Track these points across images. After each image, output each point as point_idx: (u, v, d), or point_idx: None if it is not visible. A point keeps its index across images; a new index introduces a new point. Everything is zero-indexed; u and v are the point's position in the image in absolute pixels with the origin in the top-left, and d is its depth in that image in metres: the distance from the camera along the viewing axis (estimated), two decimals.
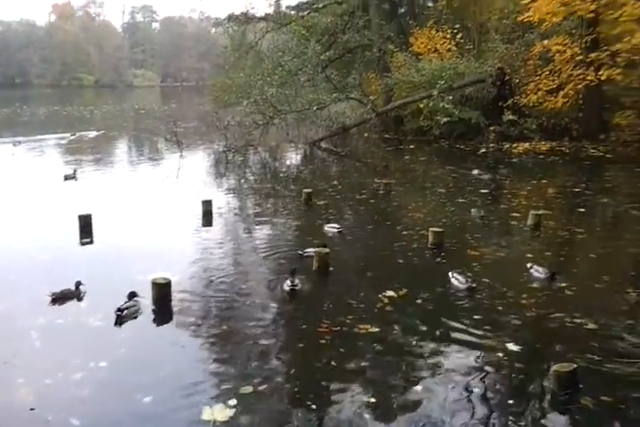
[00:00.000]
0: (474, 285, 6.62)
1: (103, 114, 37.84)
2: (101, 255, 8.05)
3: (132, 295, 6.06)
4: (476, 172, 14.53)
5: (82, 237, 8.74)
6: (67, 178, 13.81)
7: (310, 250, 7.65)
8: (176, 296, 6.32)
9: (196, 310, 6.13)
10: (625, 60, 18.53)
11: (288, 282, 6.67)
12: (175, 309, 6.14)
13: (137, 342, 5.59)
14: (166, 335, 5.75)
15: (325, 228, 9.27)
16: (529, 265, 7.28)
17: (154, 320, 6.05)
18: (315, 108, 20.11)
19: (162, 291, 6.19)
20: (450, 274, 6.94)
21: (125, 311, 5.85)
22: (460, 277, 6.80)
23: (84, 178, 14.20)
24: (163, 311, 6.11)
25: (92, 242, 8.67)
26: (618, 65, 18.62)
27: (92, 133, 24.93)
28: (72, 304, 6.26)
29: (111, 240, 8.69)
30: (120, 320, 5.79)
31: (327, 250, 7.38)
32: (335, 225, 9.23)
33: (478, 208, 10.41)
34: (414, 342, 5.39)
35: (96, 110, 40.60)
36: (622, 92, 21.08)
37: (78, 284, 6.44)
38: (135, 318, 5.90)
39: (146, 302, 6.15)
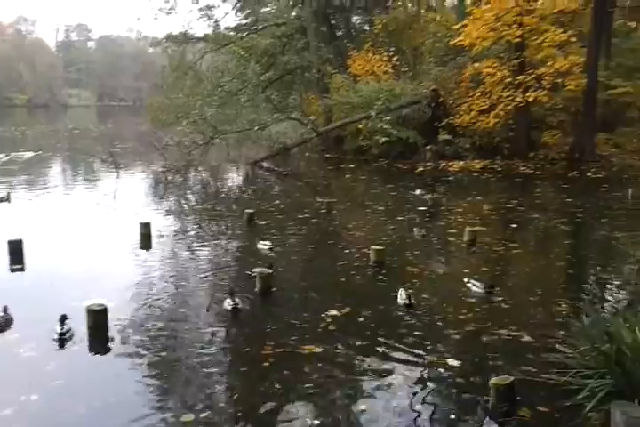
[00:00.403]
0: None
1: (36, 134, 36.50)
2: (33, 282, 7.71)
3: (64, 318, 5.90)
4: (418, 192, 14.61)
5: (11, 264, 8.34)
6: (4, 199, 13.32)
7: (257, 270, 7.61)
8: (113, 323, 6.11)
9: (133, 337, 5.93)
10: (549, 83, 19.65)
11: (229, 301, 6.64)
12: (112, 336, 5.92)
13: (72, 372, 5.35)
14: (103, 364, 5.54)
15: (258, 245, 9.31)
16: (466, 280, 7.50)
17: (89, 349, 5.80)
18: (256, 128, 20.16)
19: (97, 318, 5.97)
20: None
21: (67, 334, 5.78)
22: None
23: (18, 200, 13.65)
24: (99, 339, 5.87)
25: (22, 269, 8.28)
26: (543, 87, 19.71)
27: (28, 154, 24.08)
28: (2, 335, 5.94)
29: (44, 266, 8.34)
30: (63, 344, 5.70)
31: (270, 271, 7.35)
32: (267, 242, 9.28)
33: (419, 227, 10.61)
34: (357, 362, 5.41)
35: (28, 131, 39.13)
36: (548, 112, 22.28)
37: (5, 309, 6.19)
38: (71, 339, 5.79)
39: (82, 330, 5.92)
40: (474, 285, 7.37)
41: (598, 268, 8.84)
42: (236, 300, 6.64)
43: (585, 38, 21.21)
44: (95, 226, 10.96)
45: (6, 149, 24.41)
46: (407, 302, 6.68)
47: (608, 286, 7.80)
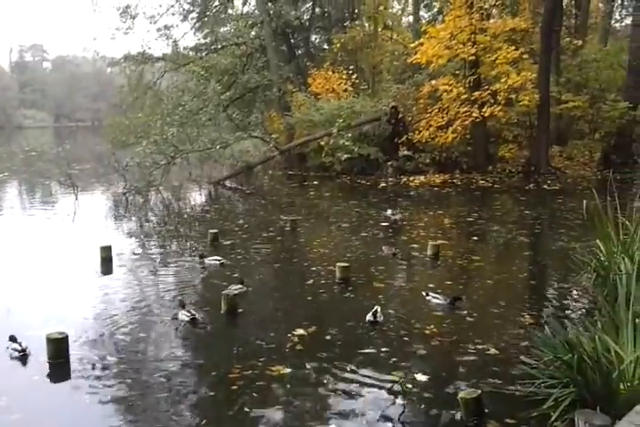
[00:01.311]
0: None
1: None
2: None
3: (14, 339, 6.03)
4: (389, 212, 13.84)
5: None
6: None
7: (234, 287, 7.81)
8: (74, 351, 5.93)
9: (96, 365, 5.75)
10: (504, 98, 20.28)
11: (185, 313, 6.79)
12: (73, 364, 5.75)
13: (31, 403, 5.13)
14: (65, 394, 5.35)
15: (206, 261, 9.27)
16: (424, 293, 7.59)
17: (50, 378, 5.62)
18: (217, 146, 20.09)
19: (58, 346, 5.78)
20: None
21: (27, 350, 5.94)
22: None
23: None
24: (60, 368, 5.69)
25: None
26: (498, 102, 20.32)
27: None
28: None
29: (0, 293, 8.05)
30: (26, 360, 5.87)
31: (235, 292, 7.29)
32: (217, 257, 9.28)
33: (389, 245, 10.40)
34: (325, 381, 5.37)
35: None
36: (504, 126, 22.95)
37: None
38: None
39: (42, 359, 5.74)
40: (434, 297, 7.48)
41: (558, 278, 9.08)
42: (192, 311, 6.82)
43: (536, 55, 22.05)
44: (54, 251, 10.66)
45: None
46: (372, 318, 6.68)
47: (568, 295, 8.00)
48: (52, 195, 19.39)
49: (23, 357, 5.91)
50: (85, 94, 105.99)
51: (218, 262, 9.18)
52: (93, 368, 5.68)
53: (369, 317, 6.71)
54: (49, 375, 5.64)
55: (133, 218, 15.29)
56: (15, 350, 5.96)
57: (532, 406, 4.47)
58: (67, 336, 5.87)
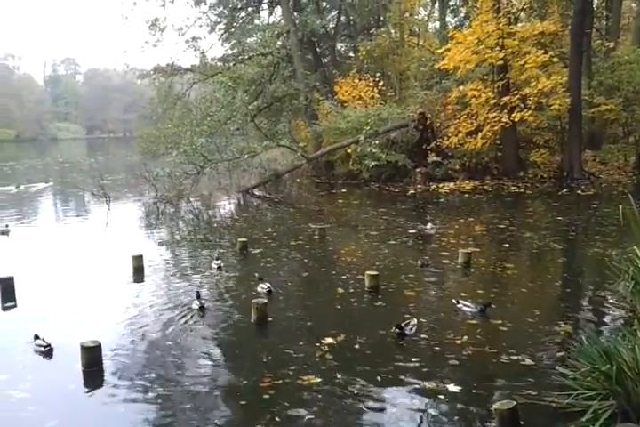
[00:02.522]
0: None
1: (25, 169, 36.45)
2: (26, 320, 7.55)
3: (37, 337, 6.46)
4: (429, 226, 12.96)
5: (3, 302, 8.23)
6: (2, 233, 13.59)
7: (262, 285, 8.44)
8: (107, 359, 6.01)
9: (129, 373, 5.83)
10: (534, 103, 19.98)
11: (196, 302, 7.76)
12: (107, 372, 5.82)
13: (68, 411, 5.22)
14: (99, 401, 5.42)
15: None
16: (454, 301, 7.45)
17: (85, 385, 5.71)
18: (246, 156, 20.27)
19: (92, 354, 5.87)
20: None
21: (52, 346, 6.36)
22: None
23: (10, 234, 13.63)
24: (94, 376, 5.78)
25: (15, 306, 8.17)
26: (528, 107, 20.03)
27: (40, 185, 24.76)
28: None
29: (36, 303, 8.21)
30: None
31: (265, 301, 7.29)
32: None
33: (423, 255, 10.13)
34: (356, 391, 5.32)
35: (17, 165, 39.11)
36: (535, 131, 22.62)
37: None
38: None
39: (77, 367, 5.83)
40: (464, 305, 7.35)
41: (594, 286, 8.85)
42: (202, 301, 7.81)
43: (566, 58, 21.70)
44: (87, 260, 10.86)
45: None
46: (398, 330, 6.52)
47: (604, 304, 7.78)
48: (86, 205, 19.79)
49: (49, 351, 6.33)
50: (117, 106, 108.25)
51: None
52: (125, 375, 5.75)
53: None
54: (83, 382, 5.72)
55: (164, 227, 15.49)
56: (40, 345, 6.38)
57: (570, 419, 4.35)
58: (100, 345, 5.95)
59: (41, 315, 7.58)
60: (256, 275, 8.98)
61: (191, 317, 7.53)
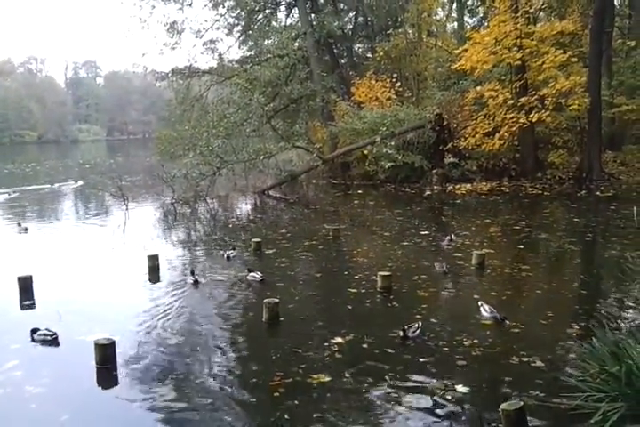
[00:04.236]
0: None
1: (46, 170, 37.07)
2: (43, 318, 7.65)
3: (36, 330, 6.72)
4: (448, 238, 11.80)
5: (22, 300, 8.40)
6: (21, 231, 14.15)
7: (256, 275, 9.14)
8: (121, 357, 6.11)
9: (141, 371, 5.92)
10: (552, 104, 19.76)
11: (191, 277, 8.97)
12: (120, 369, 5.92)
13: (81, 406, 5.32)
14: (111, 397, 5.52)
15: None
16: (480, 303, 7.38)
17: (98, 382, 5.81)
18: (262, 157, 20.38)
19: (105, 352, 5.97)
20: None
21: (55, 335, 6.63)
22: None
23: (30, 233, 13.95)
24: (107, 373, 5.87)
25: (33, 305, 8.33)
26: (546, 108, 19.82)
27: (74, 184, 26.18)
28: (9, 371, 5.95)
29: (54, 301, 8.36)
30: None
31: (277, 300, 7.34)
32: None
33: (441, 262, 9.81)
34: (364, 390, 5.34)
35: (39, 167, 39.80)
36: (554, 132, 22.38)
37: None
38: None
39: (91, 364, 5.94)
40: (484, 310, 7.27)
41: (610, 288, 8.75)
42: (195, 276, 9.02)
43: (586, 58, 21.44)
44: (105, 259, 11.03)
45: (17, 185, 24.86)
46: (402, 333, 6.44)
47: (620, 306, 7.69)
48: (104, 205, 20.06)
49: (54, 340, 6.61)
50: (136, 108, 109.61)
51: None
52: (137, 373, 5.84)
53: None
54: (97, 379, 5.83)
55: (181, 227, 15.66)
56: (46, 335, 6.63)
57: (579, 421, 4.32)
58: (114, 342, 6.05)
59: (58, 313, 7.71)
60: (248, 269, 9.45)
61: (204, 316, 7.61)
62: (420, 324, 6.65)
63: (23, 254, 11.60)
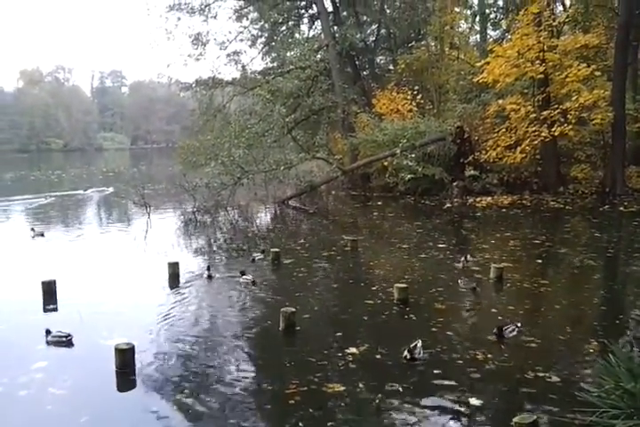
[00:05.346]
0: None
1: (71, 177, 37.79)
2: (65, 322, 7.81)
3: (49, 331, 6.99)
4: (462, 259, 10.95)
5: (45, 304, 8.59)
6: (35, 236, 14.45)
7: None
8: (140, 361, 6.22)
9: (160, 376, 6.03)
10: (575, 117, 19.63)
11: (206, 272, 10.03)
12: (139, 374, 6.03)
13: (100, 408, 5.43)
14: (130, 402, 5.64)
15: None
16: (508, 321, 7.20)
17: (118, 385, 5.93)
18: (282, 167, 20.56)
19: (125, 356, 6.09)
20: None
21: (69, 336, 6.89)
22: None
23: (54, 239, 14.29)
24: (126, 377, 5.99)
25: (56, 309, 8.51)
26: (569, 122, 19.69)
27: (108, 189, 27.45)
28: (33, 373, 6.10)
29: (76, 306, 8.52)
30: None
31: (293, 310, 7.40)
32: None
33: (470, 279, 9.58)
34: (378, 400, 5.36)
35: (64, 174, 40.57)
36: (577, 146, 22.19)
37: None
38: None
39: (111, 368, 6.06)
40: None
41: (630, 304, 8.64)
42: (210, 271, 10.02)
43: (610, 72, 21.28)
44: (126, 266, 11.23)
45: (44, 192, 25.43)
46: (409, 355, 6.20)
47: None
48: (127, 213, 20.38)
49: (69, 341, 6.83)
50: (160, 117, 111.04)
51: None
52: (156, 378, 5.95)
53: (405, 353, 6.22)
54: (116, 382, 5.95)
55: (202, 236, 15.84)
56: (60, 337, 6.86)
57: None
58: (133, 347, 6.17)
59: (79, 318, 7.87)
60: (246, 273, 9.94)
61: (222, 324, 7.71)
62: (421, 343, 6.39)
63: (49, 259, 11.85)
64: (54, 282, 8.89)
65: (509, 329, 6.74)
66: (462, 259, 10.86)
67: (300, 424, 4.99)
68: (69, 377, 6.00)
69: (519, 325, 6.86)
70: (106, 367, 6.09)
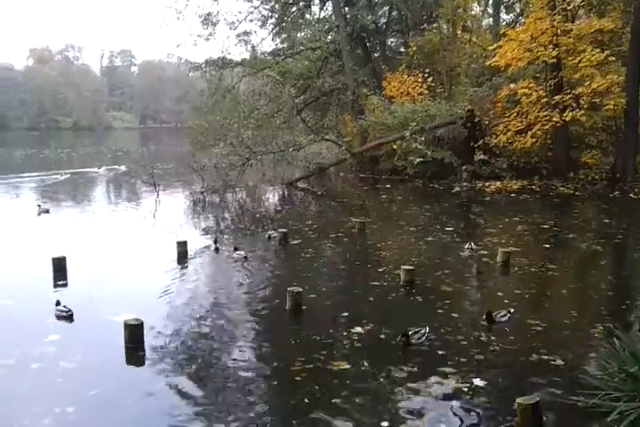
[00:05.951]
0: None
1: (81, 156, 37.90)
2: (75, 298, 7.91)
3: (58, 303, 7.17)
4: (467, 247, 10.78)
5: (56, 280, 8.70)
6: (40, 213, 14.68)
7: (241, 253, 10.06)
8: (148, 337, 6.32)
9: (168, 351, 6.13)
10: (587, 103, 19.40)
11: (214, 245, 10.63)
12: (147, 349, 6.13)
13: (108, 383, 5.53)
14: (138, 377, 5.75)
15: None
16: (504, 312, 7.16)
17: (127, 361, 6.03)
18: (291, 149, 20.51)
19: (134, 332, 6.18)
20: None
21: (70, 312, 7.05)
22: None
23: (63, 216, 14.45)
24: (135, 352, 6.09)
25: (66, 285, 8.63)
26: (581, 107, 19.47)
27: (122, 168, 27.54)
28: (44, 346, 6.22)
29: (86, 282, 8.66)
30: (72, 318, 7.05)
31: (300, 289, 7.46)
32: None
33: (479, 263, 9.72)
34: (382, 379, 5.44)
35: (73, 153, 40.68)
36: (588, 132, 21.97)
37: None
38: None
39: (119, 343, 6.17)
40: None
41: (636, 290, 8.66)
42: (217, 244, 10.62)
43: (625, 57, 20.95)
44: (136, 244, 11.34)
45: (52, 169, 25.58)
46: (404, 340, 6.12)
47: None
48: (136, 192, 20.48)
49: (70, 316, 6.98)
50: (169, 97, 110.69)
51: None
52: (165, 353, 6.05)
53: (399, 337, 6.15)
54: (125, 358, 6.06)
55: (210, 216, 15.92)
56: (62, 311, 7.03)
57: (594, 419, 4.35)
58: (142, 323, 6.26)
59: (89, 294, 7.98)
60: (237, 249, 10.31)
61: (229, 302, 7.79)
62: (427, 329, 6.36)
63: (59, 236, 11.96)
64: (64, 258, 9.00)
65: (501, 314, 6.74)
66: (467, 246, 10.68)
67: (306, 400, 5.07)
68: (79, 351, 6.10)
69: (512, 310, 6.86)
70: (115, 343, 6.18)
